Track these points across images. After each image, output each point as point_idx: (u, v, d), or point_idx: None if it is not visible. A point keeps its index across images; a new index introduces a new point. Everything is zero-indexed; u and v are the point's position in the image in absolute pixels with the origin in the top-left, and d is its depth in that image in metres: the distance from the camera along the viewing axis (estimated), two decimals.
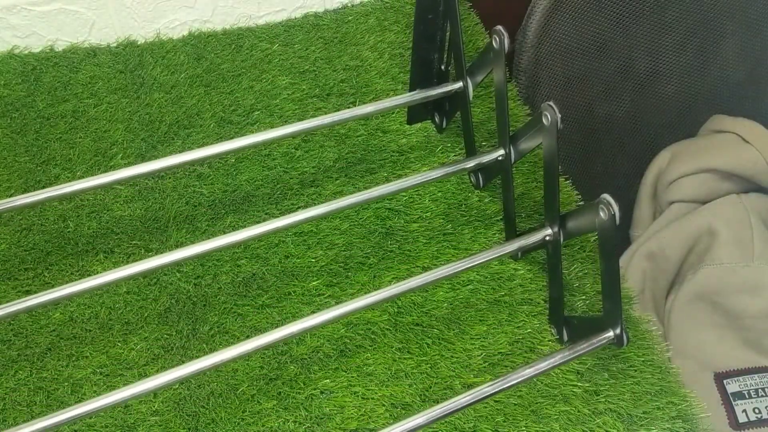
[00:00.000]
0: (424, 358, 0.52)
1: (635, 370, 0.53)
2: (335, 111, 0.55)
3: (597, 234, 0.46)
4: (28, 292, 0.53)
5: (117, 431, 0.48)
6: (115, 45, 0.70)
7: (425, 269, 0.56)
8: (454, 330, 0.54)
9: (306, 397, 0.50)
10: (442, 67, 0.60)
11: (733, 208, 0.90)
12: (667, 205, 0.96)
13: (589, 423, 0.50)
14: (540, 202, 0.60)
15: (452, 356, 0.53)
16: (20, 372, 0.51)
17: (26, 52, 0.68)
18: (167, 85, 0.67)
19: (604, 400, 0.51)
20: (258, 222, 0.48)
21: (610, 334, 0.47)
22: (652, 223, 0.97)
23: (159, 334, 0.53)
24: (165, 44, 0.70)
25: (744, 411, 0.81)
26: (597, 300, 0.55)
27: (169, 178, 0.61)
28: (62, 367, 0.51)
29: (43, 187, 0.48)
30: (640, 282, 0.91)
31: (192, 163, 0.54)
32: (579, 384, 0.52)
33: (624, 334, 0.46)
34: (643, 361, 0.53)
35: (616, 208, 0.43)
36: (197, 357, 0.42)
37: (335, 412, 0.50)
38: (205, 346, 0.52)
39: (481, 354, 0.53)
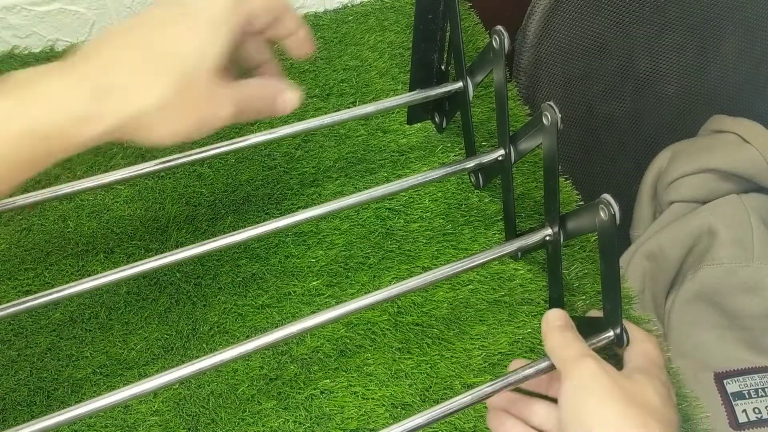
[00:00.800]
0: (424, 358, 0.52)
1: None
2: (335, 111, 0.55)
3: (597, 234, 0.46)
4: (28, 292, 0.53)
5: (117, 431, 0.48)
6: None
7: (425, 269, 0.56)
8: (454, 330, 0.54)
9: (306, 397, 0.50)
10: (442, 67, 0.60)
11: (733, 208, 0.90)
12: (667, 205, 0.96)
13: None
14: (540, 202, 0.60)
15: (452, 356, 0.53)
16: (20, 372, 0.51)
17: (26, 52, 0.68)
18: None
19: None
20: (258, 222, 0.48)
21: (610, 334, 0.47)
22: (652, 223, 0.97)
23: (159, 334, 0.53)
24: None
25: (744, 411, 0.81)
26: (597, 300, 0.55)
27: (169, 178, 0.61)
28: (62, 367, 0.51)
29: (43, 187, 0.47)
30: (640, 282, 0.91)
31: (192, 163, 0.54)
32: None
33: (624, 334, 0.46)
34: None
35: (616, 208, 0.43)
36: (197, 357, 0.42)
37: (335, 412, 0.50)
38: (205, 346, 0.52)
39: (481, 354, 0.53)
